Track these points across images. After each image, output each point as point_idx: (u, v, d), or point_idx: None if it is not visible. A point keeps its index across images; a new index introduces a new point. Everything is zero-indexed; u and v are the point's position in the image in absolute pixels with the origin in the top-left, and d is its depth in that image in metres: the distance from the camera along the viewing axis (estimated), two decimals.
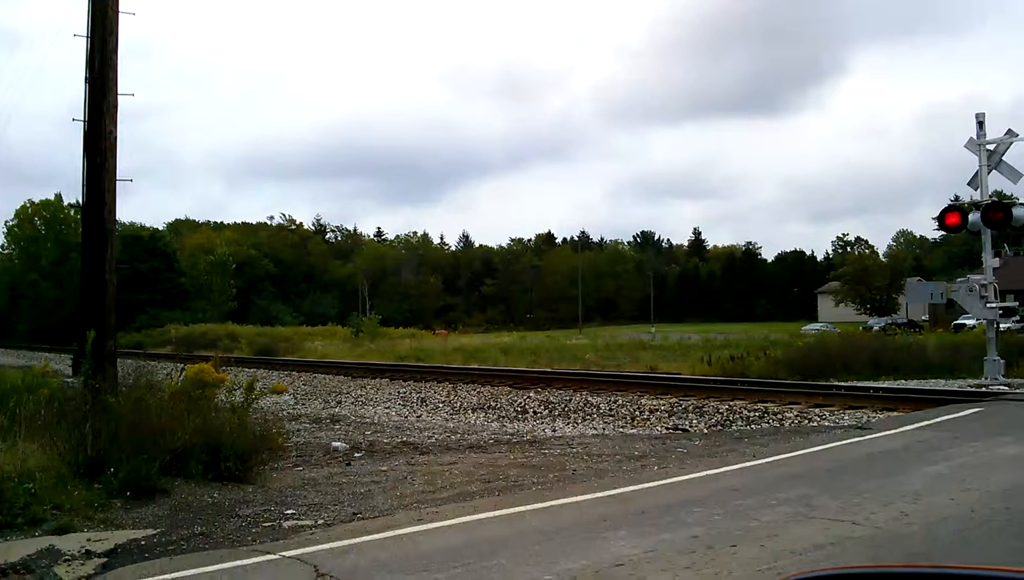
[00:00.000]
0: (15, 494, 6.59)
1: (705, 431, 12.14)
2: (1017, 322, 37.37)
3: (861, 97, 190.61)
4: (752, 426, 12.36)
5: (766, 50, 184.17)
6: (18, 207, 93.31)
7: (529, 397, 16.82)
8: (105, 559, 5.56)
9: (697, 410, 14.06)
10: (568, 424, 13.61)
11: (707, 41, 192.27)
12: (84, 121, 10.56)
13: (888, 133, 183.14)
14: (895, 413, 12.64)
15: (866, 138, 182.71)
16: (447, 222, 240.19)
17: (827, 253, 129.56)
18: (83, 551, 5.69)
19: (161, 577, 5.02)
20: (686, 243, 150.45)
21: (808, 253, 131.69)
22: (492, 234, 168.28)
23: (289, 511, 6.98)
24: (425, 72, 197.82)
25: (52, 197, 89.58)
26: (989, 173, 16.02)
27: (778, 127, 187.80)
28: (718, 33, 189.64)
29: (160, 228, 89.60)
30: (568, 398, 16.32)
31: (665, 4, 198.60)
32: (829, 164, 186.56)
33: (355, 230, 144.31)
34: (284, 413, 15.30)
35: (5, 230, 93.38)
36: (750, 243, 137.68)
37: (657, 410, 14.27)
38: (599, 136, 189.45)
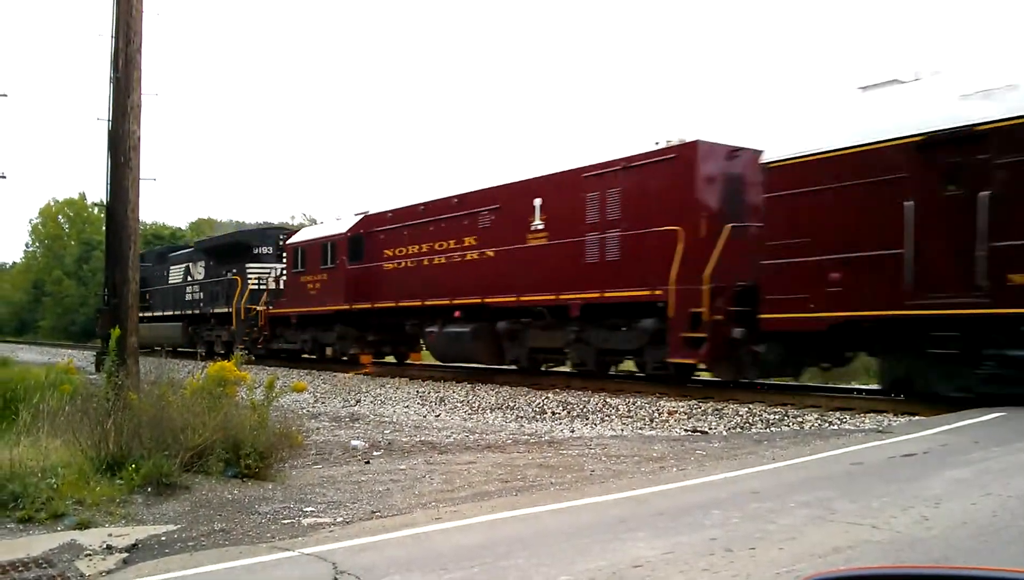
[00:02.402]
0: (38, 489, 6.67)
1: (724, 433, 12.09)
2: None
3: None
4: (772, 429, 12.30)
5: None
6: (42, 205, 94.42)
7: (547, 398, 16.80)
8: (126, 554, 5.62)
9: (716, 412, 14.00)
10: (586, 425, 13.60)
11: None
12: (108, 121, 10.68)
13: None
14: (916, 417, 12.54)
15: None
16: None
17: None
18: (104, 546, 5.75)
19: (181, 572, 5.06)
20: None
21: None
22: None
23: (308, 508, 7.02)
24: (441, 78, 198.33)
25: (76, 196, 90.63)
26: None
27: None
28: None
29: (183, 227, 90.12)
30: (586, 399, 16.29)
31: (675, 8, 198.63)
32: None
33: None
34: (304, 411, 15.39)
35: (29, 228, 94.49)
36: None
37: (676, 411, 14.22)
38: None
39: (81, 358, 27.66)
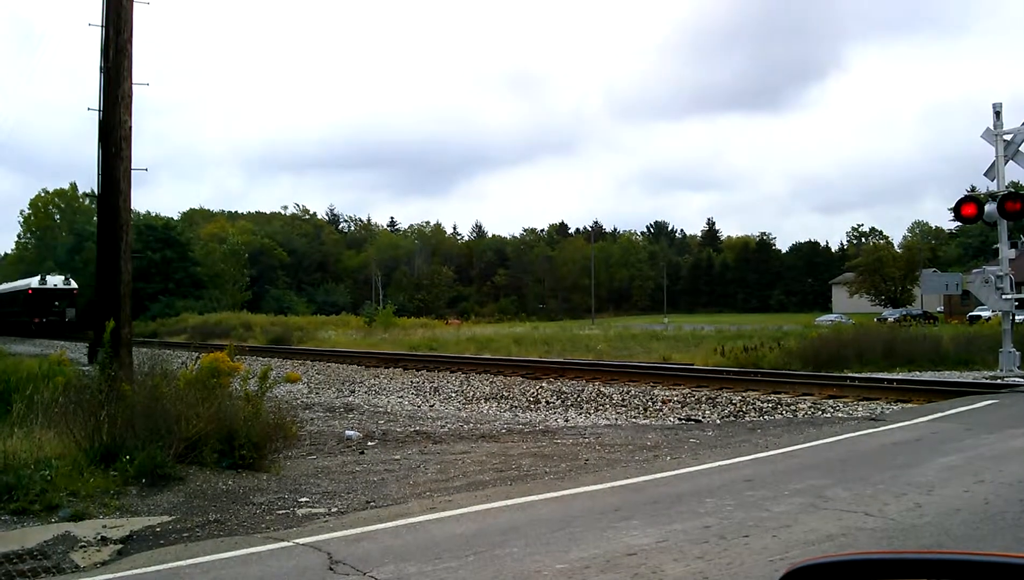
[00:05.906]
0: (31, 481, 6.66)
1: (718, 422, 12.13)
2: None
3: (861, 93, 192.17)
4: (765, 417, 12.34)
5: (766, 48, 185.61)
6: (33, 196, 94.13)
7: (542, 387, 16.83)
8: (121, 545, 5.61)
9: (710, 401, 14.04)
10: (581, 414, 13.62)
11: (710, 40, 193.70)
12: (99, 111, 10.59)
13: (889, 127, 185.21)
14: (909, 405, 12.60)
15: (867, 132, 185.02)
16: (460, 213, 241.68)
17: (841, 244, 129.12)
18: (99, 537, 5.74)
19: (176, 563, 5.06)
20: (699, 233, 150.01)
21: (823, 244, 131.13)
22: (505, 224, 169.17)
23: (303, 499, 7.02)
24: (439, 68, 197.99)
25: (67, 187, 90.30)
26: (1006, 163, 15.94)
27: (780, 122, 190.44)
28: (719, 32, 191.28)
29: (175, 217, 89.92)
30: (580, 388, 16.33)
31: (670, 4, 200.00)
32: (832, 157, 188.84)
33: (368, 220, 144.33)
34: (298, 402, 15.37)
35: (21, 220, 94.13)
36: (764, 233, 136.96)
37: (670, 400, 14.26)
38: (607, 131, 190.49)
39: (74, 349, 27.56)
